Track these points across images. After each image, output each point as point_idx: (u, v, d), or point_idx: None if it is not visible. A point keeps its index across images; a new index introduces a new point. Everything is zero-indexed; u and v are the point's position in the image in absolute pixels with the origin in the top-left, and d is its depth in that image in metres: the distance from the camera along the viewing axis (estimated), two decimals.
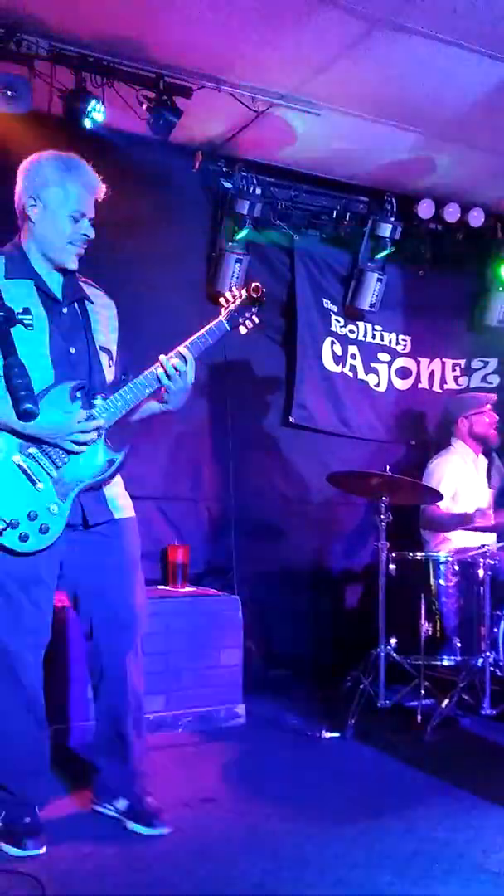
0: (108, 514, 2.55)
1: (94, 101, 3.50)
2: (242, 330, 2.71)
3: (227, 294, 2.73)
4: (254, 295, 2.69)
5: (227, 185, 4.34)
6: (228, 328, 2.67)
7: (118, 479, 2.62)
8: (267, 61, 3.54)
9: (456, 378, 5.31)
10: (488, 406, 4.53)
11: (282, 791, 2.96)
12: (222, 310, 2.70)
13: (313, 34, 3.32)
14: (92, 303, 2.60)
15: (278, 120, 3.99)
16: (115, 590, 2.56)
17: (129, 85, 3.60)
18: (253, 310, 2.69)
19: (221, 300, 2.73)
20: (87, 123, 3.53)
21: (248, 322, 2.70)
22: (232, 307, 2.68)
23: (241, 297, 2.70)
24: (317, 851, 2.47)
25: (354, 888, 2.27)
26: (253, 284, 2.74)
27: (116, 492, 2.59)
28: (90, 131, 3.54)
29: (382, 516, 3.87)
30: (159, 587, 3.99)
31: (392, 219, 4.68)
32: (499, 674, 3.81)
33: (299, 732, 3.61)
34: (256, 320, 2.73)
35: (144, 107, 3.63)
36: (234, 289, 2.76)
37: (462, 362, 5.31)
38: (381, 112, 3.92)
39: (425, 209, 4.71)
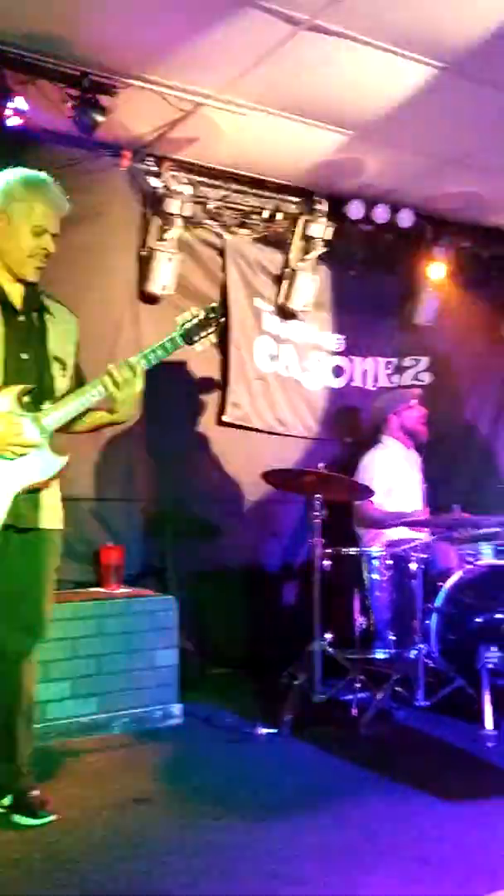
0: (41, 522, 2.62)
1: (16, 98, 3.46)
2: (198, 347, 2.74)
3: (186, 313, 2.73)
4: (211, 315, 2.71)
5: (156, 183, 4.33)
6: (183, 344, 2.70)
7: (56, 488, 2.68)
8: (192, 61, 3.54)
9: (388, 376, 5.39)
10: (415, 401, 4.63)
11: (215, 789, 2.96)
12: (178, 326, 2.70)
13: (238, 35, 3.33)
14: (51, 315, 2.70)
15: (207, 119, 4.00)
16: (29, 596, 2.65)
17: (52, 82, 3.56)
18: (210, 329, 2.71)
19: (178, 318, 2.73)
20: (10, 121, 3.49)
21: (204, 341, 2.72)
22: (188, 325, 2.69)
23: (199, 315, 2.70)
24: (248, 846, 2.49)
25: (284, 881, 2.28)
26: (212, 305, 2.77)
27: (52, 502, 2.66)
28: (13, 129, 3.50)
29: (317, 513, 3.91)
30: (92, 589, 3.95)
31: (323, 219, 4.73)
32: (432, 665, 3.88)
33: (235, 730, 3.61)
34: (214, 339, 2.75)
35: (69, 104, 3.59)
36: (193, 309, 2.76)
37: (394, 361, 5.39)
38: (307, 113, 3.95)
39: (355, 210, 4.77)
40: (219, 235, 4.70)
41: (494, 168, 4.46)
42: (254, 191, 4.68)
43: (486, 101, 3.74)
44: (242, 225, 4.76)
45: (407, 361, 5.44)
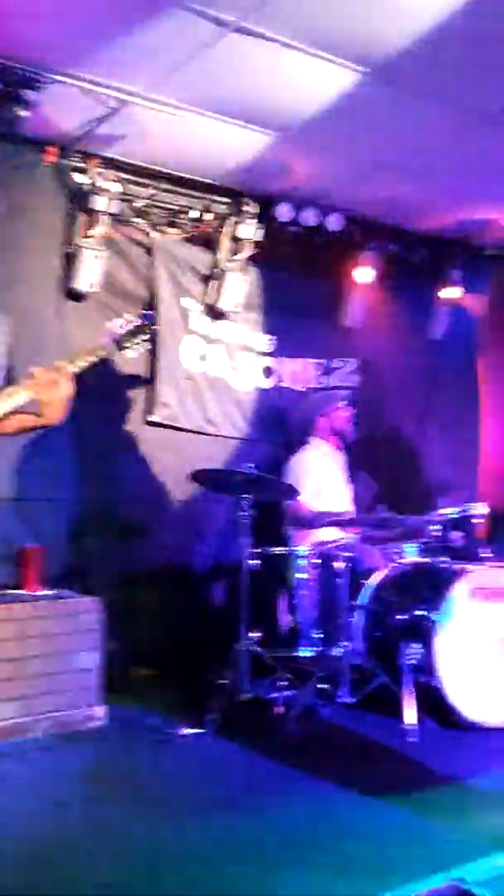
0: None
1: None
2: (130, 354, 2.72)
3: (118, 319, 2.72)
4: (144, 323, 2.70)
5: (83, 180, 4.28)
6: (115, 349, 2.68)
7: None
8: (120, 58, 3.51)
9: (318, 377, 5.44)
10: (343, 402, 4.69)
11: (137, 790, 2.94)
12: (110, 332, 2.68)
13: (165, 34, 3.32)
14: None
15: (134, 117, 3.97)
16: None
17: None
18: (143, 337, 2.70)
19: (109, 324, 2.71)
20: None
21: (135, 348, 2.71)
22: (121, 332, 2.67)
23: (132, 323, 2.68)
24: (168, 847, 2.47)
25: (204, 881, 2.28)
26: (145, 312, 2.76)
27: None
28: None
29: (245, 513, 3.92)
30: (13, 591, 3.88)
31: (252, 220, 4.75)
32: (357, 663, 3.93)
33: (159, 731, 3.59)
34: (149, 346, 2.74)
35: None
36: (126, 315, 2.74)
37: (324, 362, 5.45)
38: (235, 114, 3.97)
39: (284, 212, 4.81)
40: (147, 234, 4.67)
41: (419, 173, 4.54)
42: (182, 190, 4.68)
43: (409, 107, 3.81)
44: (171, 224, 4.75)
45: (336, 363, 5.50)
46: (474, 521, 4.17)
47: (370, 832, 2.59)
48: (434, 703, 3.57)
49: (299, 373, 5.36)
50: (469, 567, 3.75)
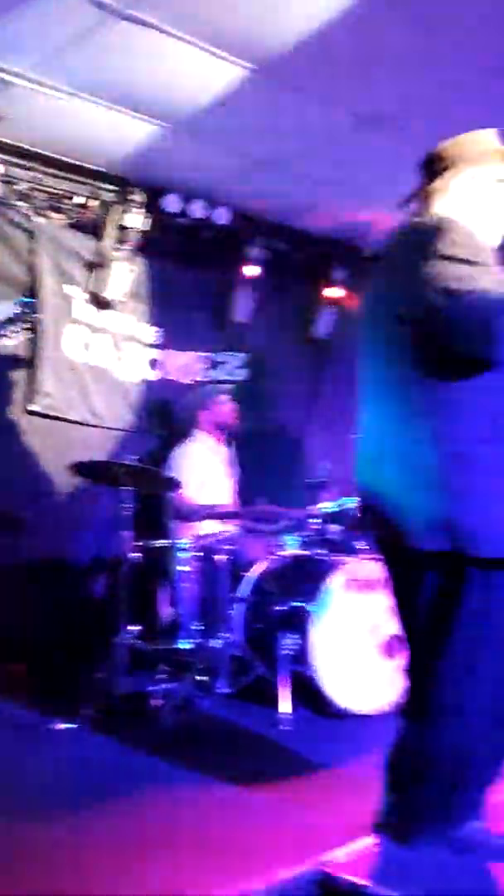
0: None
1: None
2: (7, 342, 2.63)
3: None
4: (24, 311, 2.62)
5: None
6: None
7: None
8: (3, 38, 3.40)
9: (204, 371, 5.44)
10: (226, 396, 4.72)
11: (4, 787, 2.86)
12: None
13: (50, 16, 3.25)
14: None
15: (17, 99, 3.87)
16: None
17: None
18: (23, 326, 2.62)
19: None
20: None
21: (14, 335, 2.62)
22: None
23: (10, 312, 2.60)
24: (33, 842, 2.43)
25: (68, 875, 2.25)
26: (24, 300, 2.69)
27: None
28: None
29: (127, 505, 3.89)
30: None
31: (140, 210, 4.71)
32: (236, 654, 3.97)
33: (32, 726, 3.52)
34: (30, 334, 2.66)
35: None
36: (2, 305, 2.67)
37: (210, 356, 5.46)
38: (123, 102, 3.92)
39: (171, 203, 4.79)
40: (29, 218, 4.55)
41: (305, 173, 4.61)
42: (67, 175, 4.58)
43: (294, 106, 3.87)
44: (55, 209, 4.64)
45: (222, 357, 5.52)
46: (351, 514, 4.29)
47: (238, 821, 2.62)
48: (309, 692, 3.66)
49: (186, 365, 5.35)
50: (345, 559, 3.86)
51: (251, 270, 5.32)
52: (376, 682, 3.59)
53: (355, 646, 3.70)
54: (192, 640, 3.93)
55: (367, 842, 2.38)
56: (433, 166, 2.46)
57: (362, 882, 2.16)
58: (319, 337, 5.79)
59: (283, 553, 4.27)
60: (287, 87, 3.71)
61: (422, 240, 2.28)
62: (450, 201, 2.41)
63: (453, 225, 2.28)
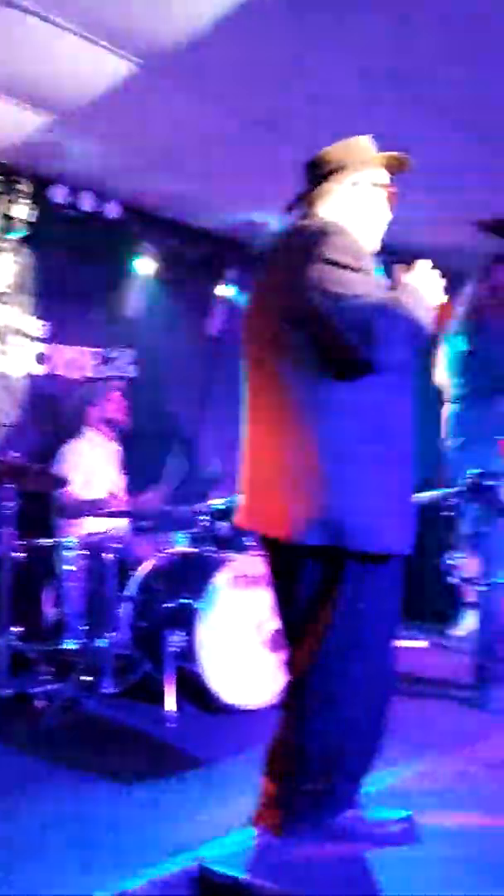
0: None
1: None
2: None
3: None
4: None
5: None
6: None
7: None
8: None
9: (95, 366, 5.37)
10: (116, 392, 4.68)
11: None
12: None
13: None
14: None
15: None
16: None
17: None
18: None
19: None
20: None
21: None
22: None
23: None
24: None
25: None
26: None
27: None
28: None
29: (9, 503, 3.79)
30: None
31: (26, 200, 4.59)
32: (123, 652, 3.94)
33: None
34: None
35: None
36: None
37: (101, 351, 5.39)
38: (10, 91, 3.81)
39: (59, 194, 4.70)
40: None
41: (197, 171, 4.62)
42: None
43: (183, 103, 3.87)
44: None
45: (113, 353, 5.47)
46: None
47: (118, 819, 2.61)
48: (196, 689, 3.67)
49: (75, 360, 5.27)
50: (232, 556, 3.89)
51: (144, 266, 5.28)
52: (262, 677, 3.64)
53: (241, 641, 3.74)
54: (77, 640, 3.87)
55: (245, 835, 2.42)
56: (315, 171, 2.52)
57: (238, 875, 2.20)
58: (212, 335, 5.80)
59: (171, 551, 4.27)
60: (177, 85, 3.70)
61: (306, 243, 2.34)
62: (333, 206, 2.47)
63: (337, 229, 2.34)
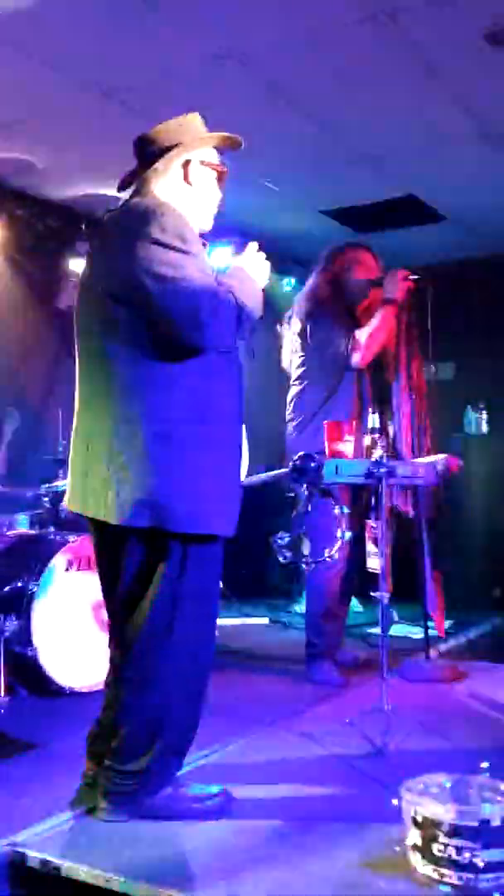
0: None
1: None
2: None
3: None
4: None
5: None
6: None
7: None
8: None
9: None
10: None
11: None
12: None
13: None
14: None
15: None
16: None
17: None
18: None
19: None
20: None
21: None
22: None
23: None
24: None
25: None
26: None
27: None
28: None
29: None
30: None
31: None
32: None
33: None
34: None
35: None
36: None
37: None
38: None
39: None
40: None
41: (47, 139, 4.47)
42: None
43: (28, 70, 3.72)
44: None
45: None
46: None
47: None
48: (30, 673, 3.60)
49: None
50: (70, 538, 3.82)
51: None
52: (97, 659, 3.60)
53: (77, 624, 3.70)
54: None
55: (63, 818, 2.40)
56: (147, 148, 2.50)
57: (52, 859, 2.18)
58: (62, 309, 5.66)
59: (10, 533, 4.15)
60: (21, 50, 3.55)
61: (135, 222, 2.32)
62: (165, 184, 2.46)
63: (166, 209, 2.34)
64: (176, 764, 2.41)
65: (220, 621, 2.57)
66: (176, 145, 2.44)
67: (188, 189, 2.48)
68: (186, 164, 2.47)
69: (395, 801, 2.15)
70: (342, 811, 2.45)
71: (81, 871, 2.12)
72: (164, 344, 2.28)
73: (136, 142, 2.52)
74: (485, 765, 2.36)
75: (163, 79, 3.77)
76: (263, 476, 3.37)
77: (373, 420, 3.29)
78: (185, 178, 2.47)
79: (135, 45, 3.53)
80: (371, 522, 3.09)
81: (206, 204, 2.52)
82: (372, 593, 3.05)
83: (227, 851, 2.21)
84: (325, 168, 4.80)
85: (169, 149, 2.45)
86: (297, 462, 3.05)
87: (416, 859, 2.05)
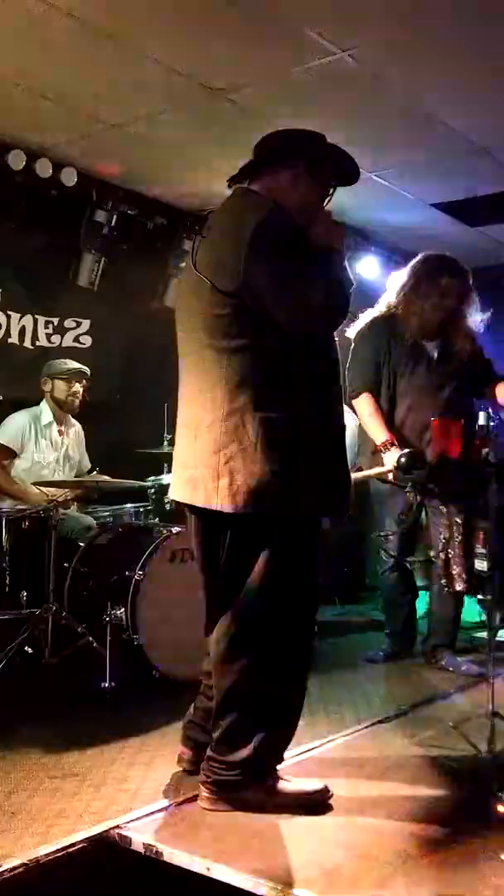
0: None
1: None
2: None
3: None
4: None
5: None
6: None
7: None
8: None
9: (48, 336, 5.31)
10: (81, 382, 4.63)
11: None
12: None
13: None
14: None
15: None
16: None
17: None
18: None
19: None
20: None
21: None
22: None
23: None
24: None
25: None
26: None
27: None
28: None
29: None
30: None
31: None
32: (63, 623, 3.92)
33: None
34: None
35: None
36: None
37: (55, 320, 5.33)
38: None
39: (14, 160, 4.61)
40: None
41: (152, 139, 4.54)
42: None
43: (138, 69, 3.78)
44: None
45: (69, 322, 5.40)
46: None
47: (39, 789, 2.62)
48: (135, 660, 3.68)
49: (27, 329, 5.20)
50: (174, 529, 3.89)
51: (99, 235, 5.20)
52: (199, 649, 3.64)
53: (180, 614, 3.71)
54: (17, 612, 3.85)
55: (165, 804, 2.45)
56: (267, 148, 2.52)
57: (155, 843, 2.22)
58: (167, 306, 5.75)
59: (114, 524, 4.27)
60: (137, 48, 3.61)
61: (246, 216, 2.33)
62: (276, 187, 2.47)
63: (275, 207, 2.35)
64: (277, 756, 2.41)
65: (321, 618, 2.56)
66: (298, 158, 2.46)
67: (296, 197, 2.47)
68: (300, 176, 2.47)
69: (500, 808, 2.09)
70: (444, 814, 2.40)
71: (184, 858, 2.16)
72: (278, 334, 2.30)
73: (260, 141, 2.54)
74: None
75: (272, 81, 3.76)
76: (368, 472, 3.32)
77: (483, 418, 3.19)
78: (297, 187, 2.48)
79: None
80: (480, 522, 3.01)
81: (307, 214, 2.50)
82: (479, 596, 2.97)
83: (327, 847, 2.20)
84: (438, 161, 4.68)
85: (289, 156, 2.47)
86: (403, 460, 3.00)
87: None
